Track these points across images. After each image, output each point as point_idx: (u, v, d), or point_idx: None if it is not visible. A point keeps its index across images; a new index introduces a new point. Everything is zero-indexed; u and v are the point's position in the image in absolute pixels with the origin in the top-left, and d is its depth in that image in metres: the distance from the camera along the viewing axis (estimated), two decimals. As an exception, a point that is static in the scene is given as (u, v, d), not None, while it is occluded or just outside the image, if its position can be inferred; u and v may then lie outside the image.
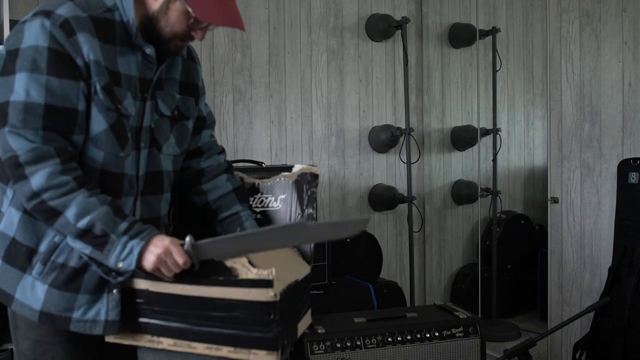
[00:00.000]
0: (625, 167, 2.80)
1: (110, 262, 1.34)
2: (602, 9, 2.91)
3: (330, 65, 3.67)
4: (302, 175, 1.76)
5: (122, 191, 1.47)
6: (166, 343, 1.41)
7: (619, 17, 2.85)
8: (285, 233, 1.33)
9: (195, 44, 3.44)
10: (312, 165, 1.70)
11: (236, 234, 1.33)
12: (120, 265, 1.34)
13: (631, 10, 2.81)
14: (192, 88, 1.65)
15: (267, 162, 3.40)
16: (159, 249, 1.33)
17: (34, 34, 1.33)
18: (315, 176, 1.77)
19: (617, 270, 2.74)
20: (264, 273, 1.33)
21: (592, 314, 2.76)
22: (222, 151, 1.77)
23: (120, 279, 1.38)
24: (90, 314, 1.42)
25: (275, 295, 1.33)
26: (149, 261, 1.34)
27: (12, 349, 2.41)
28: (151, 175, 1.54)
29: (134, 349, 1.52)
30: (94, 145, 1.41)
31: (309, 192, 1.75)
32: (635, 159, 2.78)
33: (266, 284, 1.33)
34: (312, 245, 1.73)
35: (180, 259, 1.33)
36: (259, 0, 3.44)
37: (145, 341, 1.43)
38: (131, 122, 1.46)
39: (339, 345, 2.30)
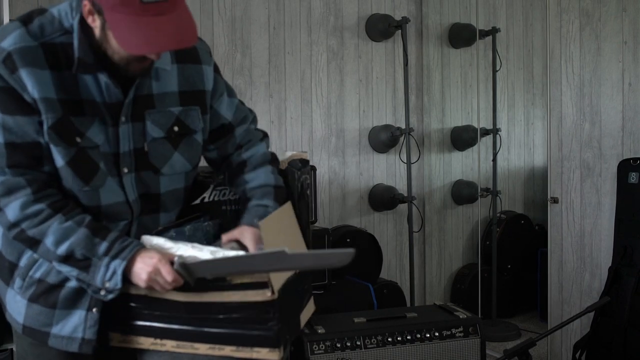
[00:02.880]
0: (625, 167, 2.80)
1: (97, 282, 1.33)
2: (602, 9, 2.91)
3: (330, 65, 3.67)
4: (292, 162, 1.67)
5: (110, 218, 1.43)
6: (169, 345, 1.42)
7: (619, 17, 2.85)
8: (266, 260, 1.28)
9: (195, 44, 3.42)
10: (302, 152, 1.64)
11: (220, 258, 1.31)
12: (107, 285, 1.33)
13: (631, 10, 2.81)
14: (197, 95, 1.49)
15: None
16: (148, 267, 1.30)
17: None
18: (305, 162, 1.69)
19: (617, 270, 2.74)
20: (259, 275, 1.32)
21: (592, 314, 2.76)
22: (264, 137, 1.67)
23: (110, 296, 1.36)
24: (67, 330, 1.41)
25: (273, 293, 1.33)
26: (141, 279, 1.32)
27: (12, 349, 2.41)
28: (146, 198, 1.47)
29: (133, 352, 1.53)
30: (61, 180, 1.36)
31: (301, 179, 1.69)
32: (635, 159, 2.78)
33: (262, 285, 1.33)
34: (309, 237, 1.70)
35: (169, 276, 1.30)
36: (259, 0, 3.44)
37: (149, 344, 1.44)
38: (102, 149, 1.37)
39: (339, 345, 2.30)
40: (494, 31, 3.97)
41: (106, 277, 1.32)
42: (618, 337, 2.66)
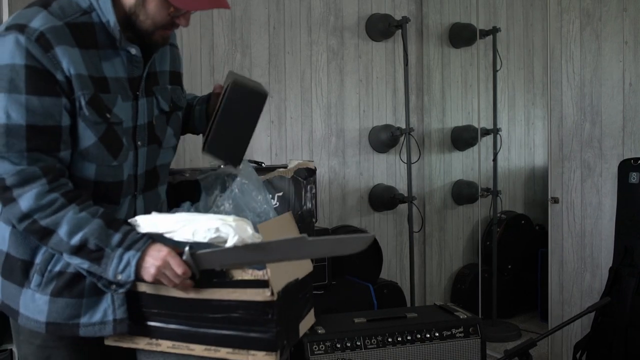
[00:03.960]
0: (626, 167, 2.79)
1: (109, 275, 1.33)
2: (603, 9, 2.90)
3: (330, 65, 3.67)
4: (298, 171, 1.72)
5: (120, 195, 1.46)
6: (165, 345, 1.40)
7: (620, 16, 2.84)
8: (285, 246, 1.29)
9: (195, 44, 3.45)
10: (309, 161, 1.67)
11: (236, 245, 1.29)
12: (120, 277, 1.33)
13: (632, 10, 2.81)
14: (178, 76, 1.62)
15: (267, 162, 3.39)
16: (157, 260, 1.31)
17: (9, 52, 1.27)
18: (312, 171, 1.74)
19: (618, 270, 2.74)
20: (259, 273, 1.31)
21: (592, 314, 2.76)
22: None
23: (121, 290, 1.37)
24: (97, 316, 1.41)
25: (272, 294, 1.31)
26: (149, 274, 1.32)
27: (11, 349, 2.41)
28: (150, 172, 1.53)
29: (133, 352, 1.52)
30: (84, 159, 1.38)
31: (307, 187, 1.73)
32: (635, 159, 2.77)
33: (262, 284, 1.31)
34: None
35: (179, 269, 1.31)
36: (259, 0, 3.43)
37: (144, 344, 1.43)
38: (124, 125, 1.42)
39: (339, 345, 2.29)
40: (494, 31, 3.97)
41: (119, 268, 1.32)
42: (619, 337, 2.65)
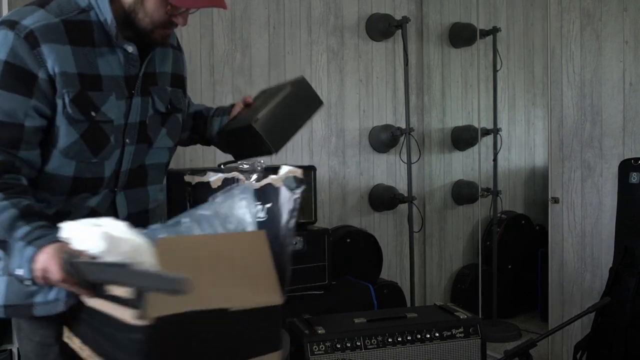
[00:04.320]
0: (626, 167, 2.79)
1: (12, 268, 1.32)
2: (603, 9, 2.90)
3: (330, 65, 3.67)
4: (287, 181, 1.50)
5: (98, 189, 1.46)
6: (85, 353, 1.30)
7: (620, 16, 2.84)
8: (117, 270, 1.07)
9: (195, 44, 3.44)
10: (297, 167, 1.49)
11: (103, 262, 1.12)
12: (19, 272, 1.30)
13: (632, 10, 2.81)
14: (180, 79, 1.63)
15: (267, 163, 3.38)
16: (41, 263, 1.24)
17: None
18: (300, 181, 1.54)
19: (618, 270, 2.74)
20: (134, 292, 1.08)
21: (592, 315, 2.76)
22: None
23: (34, 288, 1.33)
24: (52, 295, 1.39)
25: (145, 318, 1.06)
26: (36, 276, 1.26)
27: (11, 349, 2.41)
28: (135, 170, 1.53)
29: None
30: (64, 156, 1.39)
31: (293, 201, 1.45)
32: (636, 159, 2.77)
33: (134, 303, 1.08)
34: (286, 264, 1.44)
35: (56, 275, 1.21)
36: (259, 0, 3.43)
37: (77, 346, 1.33)
38: (116, 122, 1.43)
39: (339, 345, 2.29)
40: (494, 31, 3.97)
41: (19, 263, 1.31)
42: (619, 337, 2.65)
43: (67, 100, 1.34)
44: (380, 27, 3.72)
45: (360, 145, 3.79)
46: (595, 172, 2.97)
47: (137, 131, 1.49)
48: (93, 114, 1.38)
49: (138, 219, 1.47)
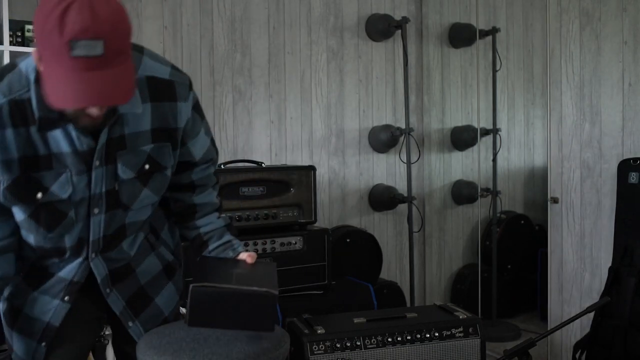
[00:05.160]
0: (626, 167, 2.80)
1: None
2: (602, 9, 2.91)
3: (330, 65, 3.67)
4: None
5: (63, 256, 1.47)
6: None
7: (619, 17, 2.85)
8: None
9: (195, 44, 3.44)
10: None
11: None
12: None
13: (631, 10, 2.81)
14: (169, 132, 1.46)
15: (267, 162, 3.39)
16: None
17: None
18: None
19: (618, 270, 2.74)
20: None
21: (592, 314, 2.76)
22: (216, 183, 1.69)
23: None
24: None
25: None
26: None
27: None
28: (113, 234, 1.49)
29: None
30: (21, 228, 1.41)
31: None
32: (635, 159, 2.78)
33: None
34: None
35: None
36: (259, 0, 3.43)
37: None
38: (73, 197, 1.37)
39: (339, 345, 2.29)
40: (494, 31, 3.97)
41: None
42: (618, 337, 2.65)
43: (1, 187, 1.32)
44: (380, 28, 3.72)
45: (360, 146, 3.79)
46: (594, 172, 2.98)
47: (106, 201, 1.41)
48: (39, 195, 1.34)
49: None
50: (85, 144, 1.33)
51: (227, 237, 1.65)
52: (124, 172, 1.41)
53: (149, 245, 1.61)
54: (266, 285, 1.44)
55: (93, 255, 1.47)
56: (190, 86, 1.49)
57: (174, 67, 1.47)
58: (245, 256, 1.62)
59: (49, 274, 1.49)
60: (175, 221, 1.69)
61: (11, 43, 2.47)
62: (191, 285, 1.39)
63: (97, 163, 1.37)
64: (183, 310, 2.36)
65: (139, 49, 1.41)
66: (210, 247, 1.63)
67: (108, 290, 1.53)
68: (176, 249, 1.72)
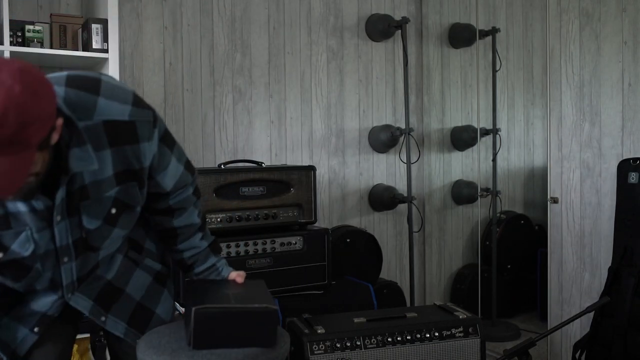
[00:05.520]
0: (625, 167, 2.80)
1: None
2: (602, 9, 2.91)
3: (330, 65, 3.67)
4: None
5: (35, 296, 1.46)
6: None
7: (619, 17, 2.85)
8: None
9: (195, 44, 3.44)
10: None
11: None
12: None
13: (631, 10, 2.81)
14: (134, 173, 1.40)
15: (267, 162, 3.40)
16: None
17: None
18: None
19: (617, 270, 2.74)
20: None
21: (592, 314, 2.76)
22: (197, 200, 1.64)
23: None
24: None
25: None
26: None
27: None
28: (86, 274, 1.47)
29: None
30: None
31: None
32: (635, 159, 2.78)
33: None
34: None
35: None
36: (259, 0, 3.44)
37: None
38: (37, 251, 1.33)
39: (339, 345, 2.30)
40: (493, 31, 3.97)
41: None
42: (618, 337, 2.66)
43: None
44: (380, 28, 3.73)
45: (360, 146, 3.79)
46: (594, 172, 2.98)
47: (74, 249, 1.38)
48: (0, 255, 1.30)
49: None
50: (42, 202, 1.29)
51: (212, 260, 1.66)
52: (90, 223, 1.37)
53: (131, 263, 1.58)
54: (264, 301, 1.45)
55: (69, 295, 1.45)
56: (154, 122, 1.41)
57: (135, 104, 1.37)
58: (235, 275, 1.63)
59: (22, 301, 1.47)
60: (161, 241, 1.67)
61: (11, 43, 2.47)
62: (193, 309, 1.38)
63: (58, 218, 1.32)
64: (179, 307, 2.37)
65: (94, 90, 1.32)
66: (196, 271, 1.65)
67: (103, 318, 1.51)
68: (163, 254, 1.69)
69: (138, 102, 1.38)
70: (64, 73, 1.33)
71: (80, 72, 1.36)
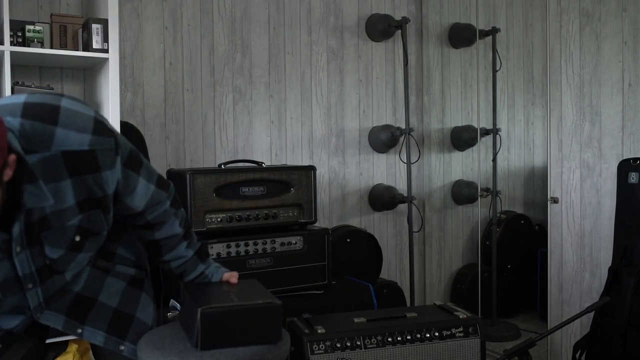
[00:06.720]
0: (625, 167, 2.80)
1: None
2: (602, 9, 2.91)
3: (330, 65, 3.67)
4: None
5: (1, 314, 1.43)
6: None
7: (619, 17, 2.85)
8: None
9: (195, 44, 3.44)
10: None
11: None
12: None
13: (631, 10, 2.81)
14: (97, 201, 1.36)
15: (267, 162, 3.40)
16: None
17: None
18: None
19: (617, 270, 2.74)
20: None
21: (592, 314, 2.76)
22: (176, 212, 1.61)
23: None
24: None
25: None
26: None
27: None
28: (52, 295, 1.45)
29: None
30: None
31: None
32: (635, 159, 2.78)
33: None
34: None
35: None
36: (259, 0, 3.44)
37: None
38: None
39: (339, 345, 2.30)
40: (494, 31, 3.97)
41: None
42: (618, 337, 2.66)
43: None
44: (380, 28, 3.73)
45: (360, 146, 3.79)
46: (594, 172, 2.98)
47: (39, 276, 1.35)
48: None
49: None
50: None
51: (200, 267, 1.66)
52: (53, 252, 1.34)
53: (100, 272, 1.55)
54: (265, 297, 1.45)
55: (38, 315, 1.43)
56: (116, 149, 1.35)
57: (95, 132, 1.30)
58: (228, 277, 1.64)
59: None
60: (147, 252, 1.67)
61: (12, 43, 2.47)
62: (199, 309, 1.37)
63: (17, 249, 1.27)
64: (174, 304, 2.36)
65: (51, 120, 1.26)
66: (186, 280, 1.66)
67: (80, 330, 1.49)
68: (139, 259, 1.66)
69: (99, 130, 1.31)
70: (22, 99, 1.28)
71: (38, 97, 1.29)
